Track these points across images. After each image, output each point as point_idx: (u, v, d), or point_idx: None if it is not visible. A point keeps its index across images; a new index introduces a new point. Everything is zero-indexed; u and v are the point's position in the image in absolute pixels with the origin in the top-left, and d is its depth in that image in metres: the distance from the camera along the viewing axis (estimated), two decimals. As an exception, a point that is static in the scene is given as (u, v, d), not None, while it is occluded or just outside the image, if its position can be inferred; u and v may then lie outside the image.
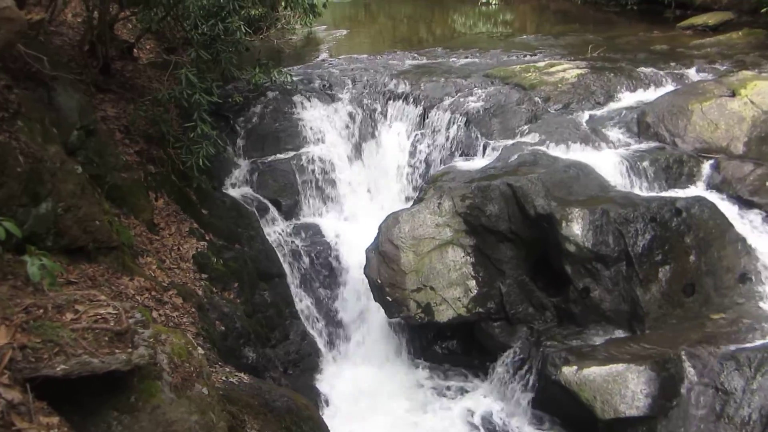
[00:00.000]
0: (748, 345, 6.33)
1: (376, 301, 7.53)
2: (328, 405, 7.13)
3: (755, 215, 7.49)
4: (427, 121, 9.30)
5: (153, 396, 3.40)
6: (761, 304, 6.93)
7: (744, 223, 7.40)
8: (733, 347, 6.30)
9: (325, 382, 7.58)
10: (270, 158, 9.04)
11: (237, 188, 8.74)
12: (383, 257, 7.34)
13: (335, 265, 8.40)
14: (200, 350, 3.81)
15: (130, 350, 3.06)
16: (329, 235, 8.57)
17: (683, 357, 6.23)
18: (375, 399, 7.21)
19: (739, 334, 6.52)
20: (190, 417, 3.49)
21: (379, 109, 9.64)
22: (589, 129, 8.54)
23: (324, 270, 8.39)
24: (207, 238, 7.59)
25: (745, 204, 7.61)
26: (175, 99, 7.55)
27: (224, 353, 6.46)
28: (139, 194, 7.15)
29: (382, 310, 7.50)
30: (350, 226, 8.82)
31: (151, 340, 3.28)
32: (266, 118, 9.30)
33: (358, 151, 9.39)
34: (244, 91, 9.43)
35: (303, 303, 8.23)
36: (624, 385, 6.11)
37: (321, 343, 8.02)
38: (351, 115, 9.52)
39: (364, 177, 9.30)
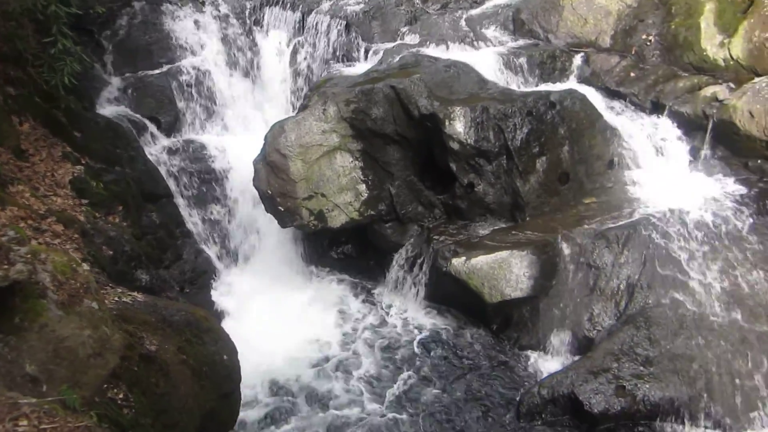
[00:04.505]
0: (616, 224, 6.91)
1: (267, 212, 7.51)
2: (227, 316, 7.17)
3: (621, 104, 8.00)
4: (306, 26, 9.06)
5: (39, 315, 3.30)
6: (627, 186, 7.53)
7: (612, 112, 7.88)
8: (603, 227, 6.87)
9: (222, 296, 7.58)
10: (143, 73, 8.56)
11: (110, 107, 8.24)
12: (272, 167, 7.27)
13: (222, 180, 8.20)
14: (85, 266, 3.70)
15: (6, 266, 2.93)
16: (213, 150, 8.32)
17: (560, 240, 6.75)
18: (274, 307, 7.32)
19: (608, 215, 7.10)
20: (82, 332, 3.42)
21: (255, 17, 9.27)
22: (467, 28, 8.66)
23: (211, 186, 8.19)
24: (83, 161, 7.18)
25: (612, 94, 8.11)
26: (28, 12, 6.89)
27: (115, 277, 6.25)
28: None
29: (275, 221, 7.51)
30: (235, 139, 8.60)
31: (29, 256, 3.14)
32: (135, 30, 8.72)
33: (236, 61, 9.05)
34: (107, 1, 8.73)
35: (193, 221, 8.05)
36: (508, 270, 6.55)
37: (215, 259, 7.94)
38: (226, 24, 9.10)
39: (244, 88, 9.03)
